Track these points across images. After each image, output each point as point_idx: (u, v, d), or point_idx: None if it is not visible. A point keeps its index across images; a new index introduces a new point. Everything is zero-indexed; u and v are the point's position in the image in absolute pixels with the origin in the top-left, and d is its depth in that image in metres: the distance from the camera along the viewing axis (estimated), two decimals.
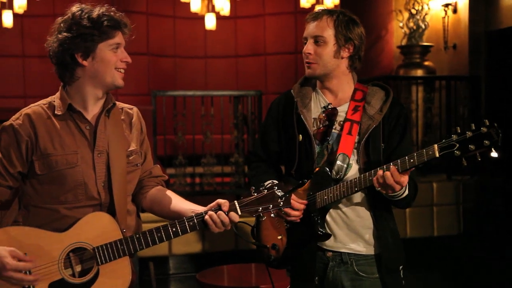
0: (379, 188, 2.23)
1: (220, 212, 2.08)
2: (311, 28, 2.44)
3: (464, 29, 7.02)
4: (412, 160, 2.18)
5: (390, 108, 2.42)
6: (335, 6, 7.23)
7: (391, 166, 2.19)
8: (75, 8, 2.12)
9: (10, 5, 7.44)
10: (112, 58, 2.13)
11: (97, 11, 2.12)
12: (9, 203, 2.20)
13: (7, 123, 2.14)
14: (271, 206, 2.10)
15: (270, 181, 2.34)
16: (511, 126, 6.69)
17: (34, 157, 2.11)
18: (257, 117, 6.57)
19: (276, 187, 2.11)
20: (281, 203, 2.10)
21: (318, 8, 2.58)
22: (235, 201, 2.11)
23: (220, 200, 2.11)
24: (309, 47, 2.43)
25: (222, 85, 8.70)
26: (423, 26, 7.35)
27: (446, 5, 7.18)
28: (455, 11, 7.16)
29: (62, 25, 2.12)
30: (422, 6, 7.38)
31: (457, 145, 2.12)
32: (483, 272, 5.94)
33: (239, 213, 2.10)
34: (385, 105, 2.42)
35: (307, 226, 2.39)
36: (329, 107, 2.46)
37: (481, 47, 6.96)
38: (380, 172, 2.20)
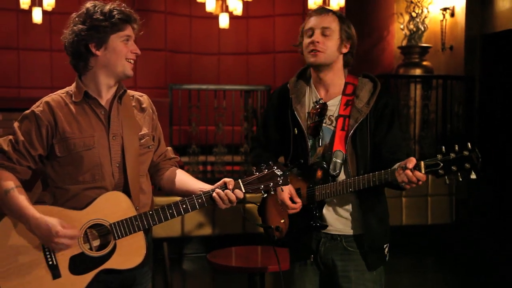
0: (403, 183, 2.21)
1: (226, 189, 2.13)
2: (318, 20, 2.40)
3: (460, 32, 6.98)
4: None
5: (377, 100, 2.39)
6: (340, 8, 7.20)
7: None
8: (89, 4, 2.15)
9: (39, 3, 7.48)
10: (123, 49, 2.15)
11: (109, 6, 2.15)
12: (31, 185, 2.22)
13: (28, 110, 2.16)
14: (271, 184, 2.14)
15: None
16: (502, 123, 6.73)
17: (54, 141, 2.13)
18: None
19: (275, 167, 2.15)
20: (280, 181, 2.15)
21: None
22: (239, 180, 2.15)
23: (226, 179, 2.16)
24: (318, 36, 2.39)
25: (234, 80, 8.67)
26: (422, 28, 7.32)
27: (445, 9, 7.16)
28: (452, 15, 7.13)
29: (77, 19, 2.15)
30: (422, 10, 7.34)
31: (441, 165, 2.13)
32: (472, 258, 5.96)
33: (243, 190, 2.14)
34: (372, 98, 2.39)
35: (306, 214, 2.43)
36: (320, 101, 2.45)
37: (476, 49, 6.91)
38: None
